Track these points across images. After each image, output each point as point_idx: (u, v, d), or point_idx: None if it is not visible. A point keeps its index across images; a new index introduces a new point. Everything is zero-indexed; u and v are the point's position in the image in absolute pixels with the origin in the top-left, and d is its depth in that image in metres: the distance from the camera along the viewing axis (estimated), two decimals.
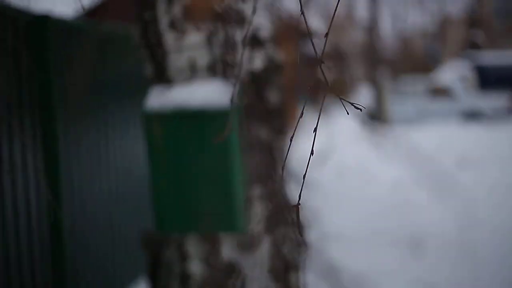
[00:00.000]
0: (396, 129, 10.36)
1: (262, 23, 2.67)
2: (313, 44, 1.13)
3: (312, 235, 2.99)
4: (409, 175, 5.61)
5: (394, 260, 4.08)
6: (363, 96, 14.44)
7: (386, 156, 5.87)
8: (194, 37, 2.53)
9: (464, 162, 7.02)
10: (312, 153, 1.03)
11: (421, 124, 11.55)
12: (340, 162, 7.08)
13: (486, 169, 6.46)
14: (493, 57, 14.09)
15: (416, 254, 4.17)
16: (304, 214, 2.92)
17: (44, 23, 2.84)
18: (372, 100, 12.57)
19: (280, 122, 2.72)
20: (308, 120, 1.26)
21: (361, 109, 0.97)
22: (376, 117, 12.16)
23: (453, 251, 4.26)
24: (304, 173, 1.07)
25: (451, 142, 7.42)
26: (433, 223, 4.80)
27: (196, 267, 2.55)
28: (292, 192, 3.03)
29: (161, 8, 2.57)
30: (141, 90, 3.56)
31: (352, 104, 0.99)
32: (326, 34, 1.03)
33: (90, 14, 5.74)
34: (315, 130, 1.03)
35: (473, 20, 19.63)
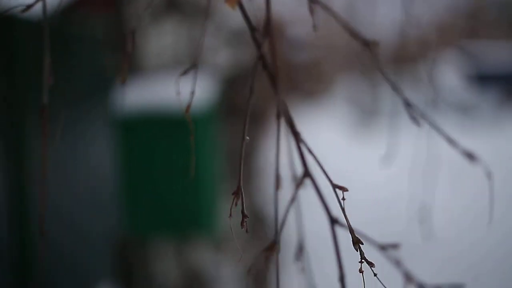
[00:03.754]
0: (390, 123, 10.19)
1: (242, 21, 2.56)
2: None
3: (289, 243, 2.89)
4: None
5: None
6: (347, 88, 13.94)
7: (376, 165, 5.66)
8: (168, 32, 2.44)
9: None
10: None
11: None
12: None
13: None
14: (487, 49, 13.99)
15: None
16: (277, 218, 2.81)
17: (9, 24, 2.69)
18: (363, 92, 12.41)
19: (256, 124, 2.67)
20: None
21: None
22: (368, 110, 12.01)
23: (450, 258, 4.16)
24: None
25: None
26: None
27: (165, 268, 2.51)
28: (267, 194, 2.91)
29: (135, 1, 2.48)
30: (107, 90, 3.42)
31: None
32: None
33: (72, 7, 5.58)
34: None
35: (468, 11, 19.60)
